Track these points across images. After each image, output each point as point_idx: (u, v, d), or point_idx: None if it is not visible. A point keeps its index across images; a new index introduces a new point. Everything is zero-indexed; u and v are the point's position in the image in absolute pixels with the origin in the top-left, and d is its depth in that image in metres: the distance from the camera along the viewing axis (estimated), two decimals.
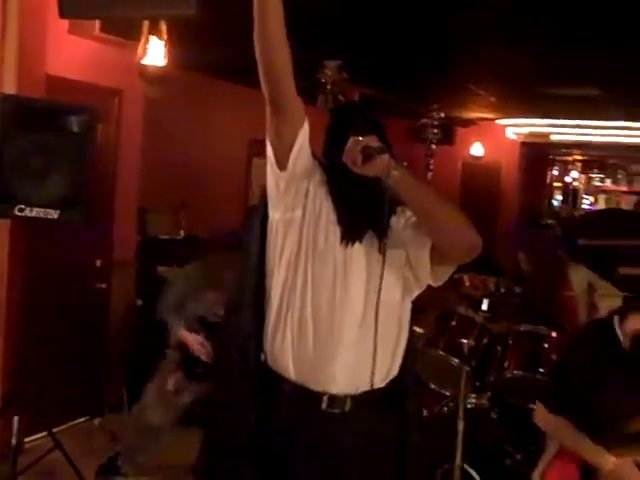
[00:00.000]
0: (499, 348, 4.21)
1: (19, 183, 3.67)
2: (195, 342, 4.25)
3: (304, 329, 2.09)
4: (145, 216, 6.34)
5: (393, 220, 2.16)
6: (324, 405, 2.11)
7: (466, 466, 3.99)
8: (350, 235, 2.12)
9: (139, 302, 5.56)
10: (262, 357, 2.19)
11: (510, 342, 4.18)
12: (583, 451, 2.95)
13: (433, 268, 2.13)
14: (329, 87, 8.10)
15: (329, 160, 2.16)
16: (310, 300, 2.09)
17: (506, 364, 4.14)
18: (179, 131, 7.57)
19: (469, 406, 4.20)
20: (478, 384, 4.39)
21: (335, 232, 2.12)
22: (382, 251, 2.10)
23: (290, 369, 2.12)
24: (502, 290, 4.55)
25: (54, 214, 3.75)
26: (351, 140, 1.97)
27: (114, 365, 5.42)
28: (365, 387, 2.14)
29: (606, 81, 8.24)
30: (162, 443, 4.03)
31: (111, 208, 5.48)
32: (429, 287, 2.20)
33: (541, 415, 3.11)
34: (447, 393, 4.36)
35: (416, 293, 2.24)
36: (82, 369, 5.15)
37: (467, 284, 4.69)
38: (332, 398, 2.11)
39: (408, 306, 2.24)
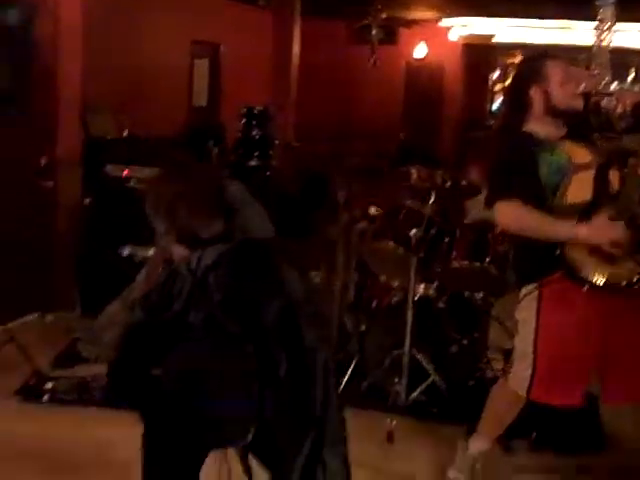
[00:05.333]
0: (446, 239, 4.27)
1: None
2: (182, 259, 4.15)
3: None
4: (87, 116, 6.20)
5: None
6: None
7: (414, 351, 4.13)
8: None
9: (87, 201, 5.49)
10: None
11: (457, 233, 4.25)
12: (554, 231, 2.83)
13: None
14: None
15: None
16: None
17: (453, 254, 4.22)
18: (120, 30, 7.34)
19: (417, 296, 4.31)
20: (426, 275, 4.50)
21: None
22: None
23: None
24: (448, 183, 4.56)
25: None
26: None
27: (62, 263, 5.38)
28: None
29: None
30: None
31: (54, 107, 5.31)
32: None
33: (503, 213, 2.95)
34: (395, 284, 4.45)
35: None
36: (30, 267, 5.09)
37: (414, 177, 4.70)
38: None
39: None
